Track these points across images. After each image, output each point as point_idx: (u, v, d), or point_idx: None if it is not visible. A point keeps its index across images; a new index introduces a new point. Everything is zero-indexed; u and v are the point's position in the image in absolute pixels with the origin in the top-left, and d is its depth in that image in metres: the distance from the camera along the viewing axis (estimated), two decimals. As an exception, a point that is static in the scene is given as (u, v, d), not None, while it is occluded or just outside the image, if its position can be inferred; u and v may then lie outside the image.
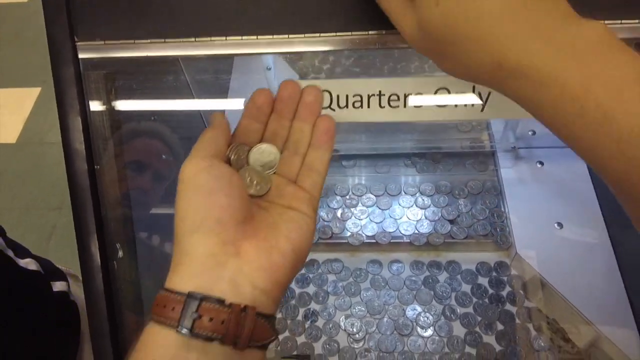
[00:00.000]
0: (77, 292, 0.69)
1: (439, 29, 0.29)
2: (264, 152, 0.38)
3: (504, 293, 0.68)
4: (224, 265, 0.30)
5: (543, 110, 0.28)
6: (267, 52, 0.42)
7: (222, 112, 0.38)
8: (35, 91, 2.06)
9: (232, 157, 0.37)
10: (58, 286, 0.66)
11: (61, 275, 0.68)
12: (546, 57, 0.27)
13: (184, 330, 0.28)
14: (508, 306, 0.67)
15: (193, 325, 0.28)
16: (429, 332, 0.66)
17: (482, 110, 0.41)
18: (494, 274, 0.70)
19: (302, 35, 0.41)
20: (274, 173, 0.38)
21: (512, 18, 0.28)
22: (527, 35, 0.27)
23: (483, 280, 0.69)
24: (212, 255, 0.30)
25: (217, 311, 0.29)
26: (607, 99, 0.25)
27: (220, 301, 0.29)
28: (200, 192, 0.32)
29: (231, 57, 0.43)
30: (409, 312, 0.68)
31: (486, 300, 0.68)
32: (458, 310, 0.67)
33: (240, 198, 0.32)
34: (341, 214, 0.76)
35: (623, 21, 0.38)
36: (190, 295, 0.29)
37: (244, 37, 0.42)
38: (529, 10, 0.28)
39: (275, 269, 0.31)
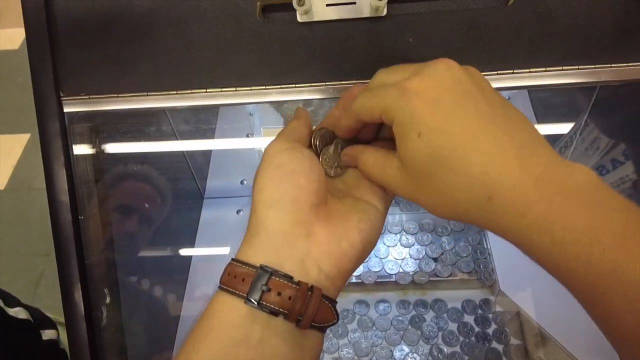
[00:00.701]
0: (67, 340, 0.69)
1: (423, 161, 0.29)
2: (347, 142, 0.38)
3: (490, 331, 0.68)
4: (295, 245, 0.31)
5: (541, 251, 0.27)
6: (246, 102, 0.44)
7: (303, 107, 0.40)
8: (24, 137, 2.07)
9: (317, 140, 0.37)
10: (48, 334, 0.66)
11: (50, 324, 0.68)
12: (540, 195, 0.26)
13: (253, 302, 0.29)
14: (494, 344, 0.67)
15: (261, 297, 0.29)
16: (417, 372, 0.66)
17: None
18: (480, 311, 0.70)
19: (278, 86, 0.43)
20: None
21: (502, 151, 0.27)
22: (518, 170, 0.27)
23: (469, 318, 0.70)
24: (284, 232, 0.31)
25: (285, 287, 0.29)
26: (614, 247, 0.25)
27: (289, 277, 0.30)
28: (281, 169, 0.33)
29: (212, 107, 0.45)
30: (397, 353, 0.68)
31: (473, 338, 0.68)
32: (445, 350, 0.67)
33: (317, 182, 0.33)
34: (327, 254, 0.76)
35: (580, 67, 0.41)
36: (262, 268, 0.30)
37: (223, 89, 0.44)
38: (517, 146, 0.28)
39: (343, 256, 0.31)
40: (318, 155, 0.37)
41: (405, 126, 0.30)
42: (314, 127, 0.39)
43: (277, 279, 0.29)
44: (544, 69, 0.41)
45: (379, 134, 0.38)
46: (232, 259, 0.32)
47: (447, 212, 0.30)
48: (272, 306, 0.29)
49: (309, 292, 0.30)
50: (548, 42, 0.40)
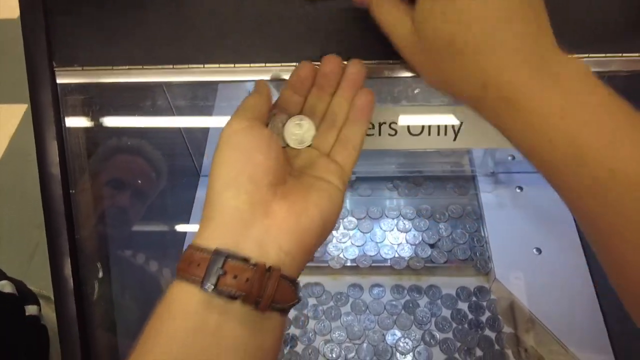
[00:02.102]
0: (49, 314, 0.68)
1: (438, 40, 0.30)
2: (301, 125, 0.38)
3: (484, 318, 0.68)
4: (252, 225, 0.30)
5: (519, 136, 0.29)
6: (244, 79, 0.43)
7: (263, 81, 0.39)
8: (22, 108, 2.05)
9: (270, 124, 0.37)
10: (30, 310, 0.65)
11: (34, 299, 0.67)
12: (531, 86, 0.28)
13: (208, 286, 0.29)
14: (487, 332, 0.67)
15: (217, 282, 0.29)
16: (409, 358, 0.66)
17: (454, 139, 0.42)
18: (474, 298, 0.70)
19: (278, 64, 0.42)
20: (309, 146, 0.38)
21: (508, 44, 0.29)
22: (515, 63, 0.28)
23: (463, 305, 0.69)
24: (240, 213, 0.30)
25: (241, 269, 0.29)
26: (585, 135, 0.26)
27: (246, 259, 0.29)
28: (237, 149, 0.32)
29: (209, 84, 0.44)
30: (389, 338, 0.68)
31: (466, 325, 0.68)
32: (438, 336, 0.67)
33: (275, 160, 0.32)
34: (323, 237, 0.76)
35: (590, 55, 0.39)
36: (216, 252, 0.29)
37: (221, 65, 0.42)
38: (521, 38, 0.29)
39: (303, 232, 0.31)
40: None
41: (434, 1, 0.30)
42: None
43: (233, 261, 0.29)
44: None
45: None
46: (189, 245, 0.31)
47: (441, 87, 0.33)
48: (229, 290, 0.29)
49: (267, 273, 0.29)
50: (558, 30, 0.39)
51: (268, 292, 0.29)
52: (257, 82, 0.38)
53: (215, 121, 0.80)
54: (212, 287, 0.29)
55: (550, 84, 0.28)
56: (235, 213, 0.30)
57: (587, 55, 0.39)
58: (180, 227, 0.80)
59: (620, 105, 0.28)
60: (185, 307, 0.29)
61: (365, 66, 0.39)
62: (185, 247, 0.77)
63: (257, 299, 0.29)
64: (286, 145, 0.38)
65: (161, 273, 0.77)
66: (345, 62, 0.39)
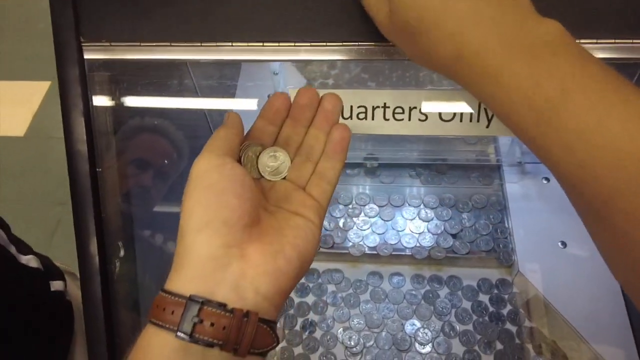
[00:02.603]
0: (74, 290, 0.69)
1: (408, 17, 0.31)
2: (276, 157, 0.37)
3: (505, 311, 0.67)
4: (227, 269, 0.29)
5: (496, 103, 0.30)
6: (273, 59, 0.42)
7: (234, 112, 0.38)
8: (45, 85, 2.07)
9: (243, 156, 0.36)
10: (55, 286, 0.66)
11: (59, 275, 0.68)
12: (501, 53, 0.28)
13: (183, 335, 0.28)
14: (508, 325, 0.66)
15: (193, 330, 0.28)
16: (427, 348, 0.65)
17: (487, 126, 0.40)
18: (495, 291, 0.69)
19: (308, 44, 0.41)
20: (283, 179, 0.37)
21: (475, 14, 0.29)
22: (487, 32, 0.29)
23: (484, 298, 0.68)
24: (215, 257, 0.29)
25: (218, 316, 0.28)
26: (555, 95, 0.27)
27: (222, 305, 0.29)
28: (211, 190, 0.31)
29: (237, 62, 0.43)
30: (408, 327, 0.67)
31: (486, 318, 0.67)
32: (457, 328, 0.66)
33: (250, 200, 0.32)
34: (343, 223, 0.75)
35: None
36: (191, 299, 0.29)
37: (250, 44, 0.42)
38: (492, 7, 0.29)
39: (280, 274, 0.30)
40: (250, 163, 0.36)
41: None
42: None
43: (209, 308, 0.28)
44: (595, 40, 0.38)
45: None
46: (161, 289, 0.30)
47: (423, 62, 0.33)
48: (206, 338, 0.28)
49: (245, 319, 0.28)
50: (602, 13, 0.38)
51: (246, 338, 0.28)
52: (227, 115, 0.37)
53: (238, 103, 0.79)
54: (187, 335, 0.28)
55: (520, 53, 0.28)
56: (209, 258, 0.29)
57: (631, 40, 0.37)
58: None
59: (591, 66, 0.28)
60: (159, 356, 0.29)
61: (341, 102, 0.39)
62: None
63: (235, 345, 0.28)
64: (260, 177, 0.37)
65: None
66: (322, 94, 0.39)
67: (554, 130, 0.27)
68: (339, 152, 0.37)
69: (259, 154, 0.37)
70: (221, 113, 0.83)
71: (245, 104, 0.79)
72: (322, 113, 0.38)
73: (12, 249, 0.60)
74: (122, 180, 0.54)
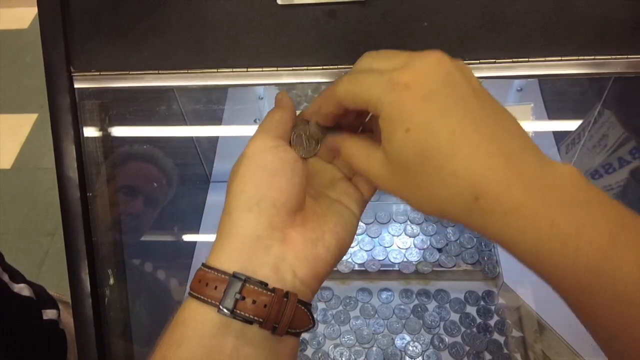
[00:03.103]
0: (68, 319, 0.69)
1: (409, 158, 0.28)
2: (309, 133, 0.36)
3: (492, 322, 0.68)
4: (269, 250, 0.30)
5: (527, 250, 0.27)
6: (257, 83, 0.44)
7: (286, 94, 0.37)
8: (32, 117, 2.08)
9: (293, 135, 0.36)
10: (48, 314, 0.66)
11: (52, 303, 0.68)
12: (528, 197, 0.26)
13: (225, 310, 0.28)
14: (496, 335, 0.67)
15: (235, 306, 0.28)
16: (418, 361, 0.66)
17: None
18: (482, 303, 0.70)
19: (290, 68, 0.43)
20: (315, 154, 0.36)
21: (490, 152, 0.27)
22: (506, 173, 0.26)
23: (471, 309, 0.70)
24: (259, 237, 0.30)
25: (260, 294, 0.28)
26: (601, 242, 0.25)
27: (264, 284, 0.29)
28: (264, 171, 0.31)
29: (222, 87, 0.45)
30: (398, 342, 0.68)
31: (474, 329, 0.68)
32: (446, 340, 0.68)
33: (299, 185, 0.32)
34: (331, 241, 0.77)
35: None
36: (235, 276, 0.29)
37: (234, 69, 0.44)
38: (505, 147, 0.27)
39: (318, 261, 0.31)
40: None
41: (393, 121, 0.28)
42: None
43: (251, 286, 0.29)
44: (559, 58, 0.40)
45: (361, 124, 0.37)
46: (203, 264, 0.31)
47: (431, 209, 0.30)
48: (247, 314, 0.28)
49: (285, 299, 0.29)
50: (565, 31, 0.40)
51: (285, 318, 0.29)
52: (278, 95, 0.36)
53: (224, 130, 0.81)
54: (229, 311, 0.28)
55: (543, 195, 0.26)
56: (254, 237, 0.30)
57: (593, 57, 0.40)
58: (189, 237, 0.81)
59: (616, 208, 0.26)
60: (201, 329, 0.29)
61: None
62: (195, 255, 0.76)
63: (274, 324, 0.29)
64: (308, 155, 0.36)
65: (169, 282, 0.77)
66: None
67: (600, 284, 0.25)
68: None
69: (307, 132, 0.36)
70: (210, 139, 0.84)
71: (231, 130, 0.81)
72: None
73: (5, 277, 0.60)
74: (113, 206, 0.55)
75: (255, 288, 0.29)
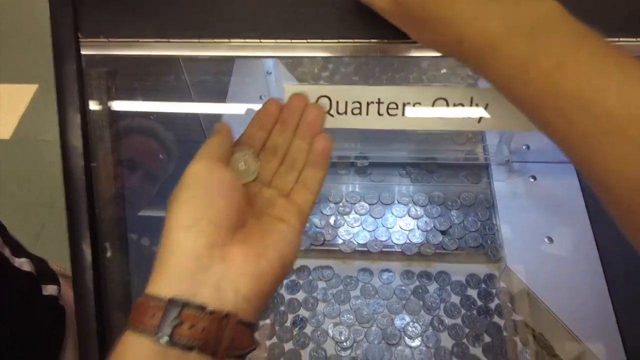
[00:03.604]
0: (68, 294, 0.69)
1: (412, 5, 0.32)
2: (245, 162, 0.38)
3: (492, 305, 0.68)
4: (209, 269, 0.30)
5: (498, 80, 0.31)
6: (270, 55, 0.43)
7: (224, 123, 0.39)
8: (32, 88, 2.05)
9: (232, 160, 0.38)
10: (49, 290, 0.65)
11: (53, 278, 0.68)
12: (501, 34, 0.30)
13: (164, 338, 0.28)
14: (496, 319, 0.67)
15: (173, 332, 0.28)
16: (417, 342, 0.67)
17: (478, 122, 0.42)
18: (483, 286, 0.70)
19: (305, 41, 0.42)
20: (253, 180, 0.38)
21: (477, 2, 0.31)
22: (484, 16, 0.30)
23: (472, 292, 0.70)
24: (198, 257, 0.30)
25: (197, 318, 0.28)
26: (550, 67, 0.28)
27: (202, 308, 0.29)
28: (201, 191, 0.32)
29: (233, 59, 0.44)
30: (398, 322, 0.68)
31: (474, 312, 0.68)
32: (446, 321, 0.68)
33: (237, 204, 0.33)
34: (334, 221, 0.76)
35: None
36: (171, 301, 0.29)
37: (247, 40, 0.42)
38: None
39: (261, 276, 0.31)
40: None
41: None
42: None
43: (189, 310, 0.28)
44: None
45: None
46: (143, 293, 0.30)
47: (429, 45, 0.35)
48: (185, 341, 0.28)
49: (224, 320, 0.29)
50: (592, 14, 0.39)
51: (225, 341, 0.29)
52: (217, 125, 0.38)
53: (228, 108, 0.80)
54: (168, 338, 0.28)
55: (519, 32, 0.29)
56: (193, 257, 0.30)
57: (617, 39, 0.39)
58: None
59: (587, 40, 0.29)
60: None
61: (325, 112, 0.40)
62: None
63: (214, 347, 0.28)
64: (246, 180, 0.38)
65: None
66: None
67: (552, 102, 0.28)
68: (320, 162, 0.38)
69: (247, 158, 0.38)
70: (215, 117, 0.83)
71: (236, 108, 0.80)
72: (305, 123, 0.39)
73: (6, 251, 0.60)
74: (113, 180, 0.55)
75: (193, 312, 0.28)
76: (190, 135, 0.80)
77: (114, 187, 0.55)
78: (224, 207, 0.32)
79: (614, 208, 0.30)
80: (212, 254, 0.30)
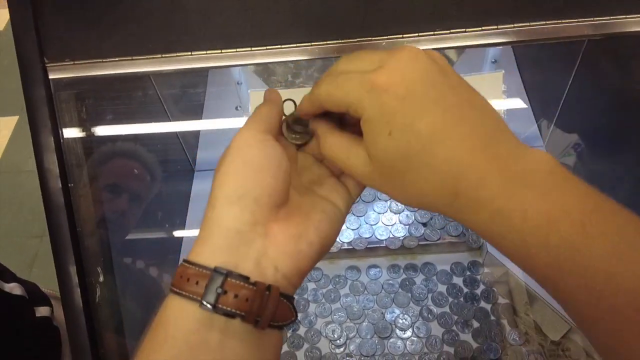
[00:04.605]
0: (62, 315, 0.69)
1: (393, 160, 0.30)
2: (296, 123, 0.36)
3: (478, 291, 0.70)
4: (251, 244, 0.30)
5: (503, 241, 0.28)
6: (231, 64, 0.44)
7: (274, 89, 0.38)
8: (12, 120, 2.05)
9: (283, 126, 0.36)
10: (41, 311, 0.66)
11: (45, 300, 0.68)
12: (503, 187, 0.27)
13: (208, 305, 0.28)
14: (483, 303, 0.69)
15: (217, 300, 0.28)
16: (408, 333, 0.68)
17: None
18: (468, 273, 0.72)
19: (264, 48, 0.43)
20: (304, 144, 0.37)
21: (469, 146, 0.28)
22: (483, 165, 0.28)
23: (458, 280, 0.71)
24: (241, 231, 0.30)
25: (241, 288, 0.28)
26: (571, 231, 0.26)
27: (246, 278, 0.29)
28: (248, 165, 0.31)
29: (197, 71, 0.45)
30: (388, 315, 0.69)
31: (462, 299, 0.69)
32: (435, 310, 0.69)
33: (284, 182, 0.32)
34: (318, 222, 0.77)
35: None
36: (216, 270, 0.29)
37: (208, 52, 0.44)
38: (483, 140, 0.29)
39: (300, 257, 0.31)
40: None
41: (375, 124, 0.30)
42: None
43: (233, 280, 0.29)
44: (528, 24, 0.41)
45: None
46: (184, 260, 0.30)
47: (414, 203, 0.32)
48: (229, 309, 0.28)
49: (267, 292, 0.29)
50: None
51: (268, 311, 0.29)
52: (268, 91, 0.37)
53: (205, 124, 0.81)
54: (212, 305, 0.28)
55: (524, 183, 0.27)
56: (236, 232, 0.30)
57: (560, 21, 0.41)
58: (177, 233, 0.81)
59: (590, 194, 0.27)
60: (184, 325, 0.29)
61: None
62: (183, 245, 0.75)
63: (256, 318, 0.29)
64: (296, 144, 0.37)
65: (162, 278, 0.77)
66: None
67: (571, 267, 0.26)
68: None
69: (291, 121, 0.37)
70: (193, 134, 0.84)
71: (212, 123, 0.81)
72: None
73: None
74: (96, 204, 0.55)
75: (237, 282, 0.29)
76: (168, 152, 0.81)
77: (98, 209, 0.55)
78: (269, 184, 0.31)
79: None
80: (254, 229, 0.30)
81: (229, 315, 0.28)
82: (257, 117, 0.34)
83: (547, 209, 0.27)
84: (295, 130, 0.36)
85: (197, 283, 0.29)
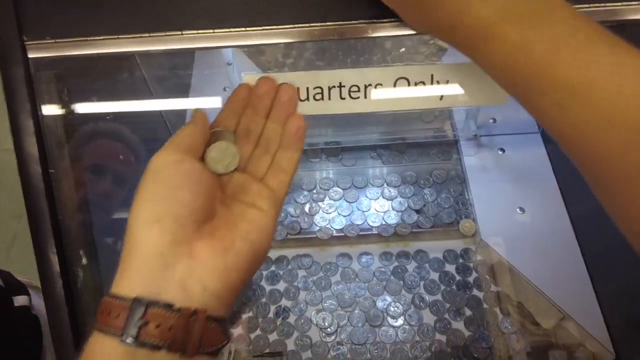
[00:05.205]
0: (40, 304, 0.67)
1: None
2: (224, 151, 0.36)
3: (471, 279, 0.69)
4: (174, 267, 0.29)
5: (491, 66, 0.31)
6: (224, 45, 0.41)
7: (200, 110, 0.37)
8: (-11, 96, 1.99)
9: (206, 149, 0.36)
10: (19, 301, 0.64)
11: (22, 289, 0.66)
12: (495, 22, 0.30)
13: (129, 339, 0.27)
14: (475, 292, 0.68)
15: (139, 333, 0.27)
16: (400, 321, 0.67)
17: (440, 99, 0.42)
18: (461, 260, 0.71)
19: (259, 28, 0.41)
20: (234, 171, 0.37)
21: None
22: (479, 1, 0.30)
23: (450, 268, 0.70)
24: (162, 255, 0.29)
25: (164, 317, 0.27)
26: (544, 54, 0.28)
27: (168, 306, 0.28)
28: (164, 185, 0.31)
29: (188, 51, 0.42)
30: (380, 303, 0.68)
31: (454, 287, 0.69)
32: (427, 298, 0.68)
33: (205, 198, 0.31)
34: (309, 208, 0.76)
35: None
36: (136, 301, 0.28)
37: (200, 31, 0.41)
38: None
39: (229, 270, 0.30)
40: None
41: None
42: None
43: (154, 309, 0.27)
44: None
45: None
46: (108, 293, 0.29)
47: (421, 28, 0.36)
48: (152, 340, 0.27)
49: (193, 317, 0.28)
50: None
51: (194, 338, 0.28)
52: (194, 112, 0.36)
53: (192, 102, 0.78)
54: (133, 339, 0.27)
55: (514, 19, 0.29)
56: (156, 255, 0.29)
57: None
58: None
59: (582, 26, 0.29)
60: None
61: (296, 90, 0.38)
62: None
63: (183, 346, 0.28)
64: (217, 170, 0.36)
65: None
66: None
67: (545, 89, 0.28)
68: (295, 143, 0.37)
69: (204, 151, 0.36)
70: (179, 113, 0.82)
71: (200, 103, 0.78)
72: (279, 105, 0.38)
73: None
74: (78, 186, 0.53)
75: (160, 311, 0.27)
76: (155, 133, 0.78)
77: (80, 193, 0.53)
78: (189, 202, 0.30)
79: (607, 199, 0.29)
80: (176, 251, 0.29)
81: (153, 347, 0.27)
82: (176, 138, 0.33)
83: (527, 34, 0.29)
84: (219, 159, 0.36)
85: (117, 316, 0.28)
